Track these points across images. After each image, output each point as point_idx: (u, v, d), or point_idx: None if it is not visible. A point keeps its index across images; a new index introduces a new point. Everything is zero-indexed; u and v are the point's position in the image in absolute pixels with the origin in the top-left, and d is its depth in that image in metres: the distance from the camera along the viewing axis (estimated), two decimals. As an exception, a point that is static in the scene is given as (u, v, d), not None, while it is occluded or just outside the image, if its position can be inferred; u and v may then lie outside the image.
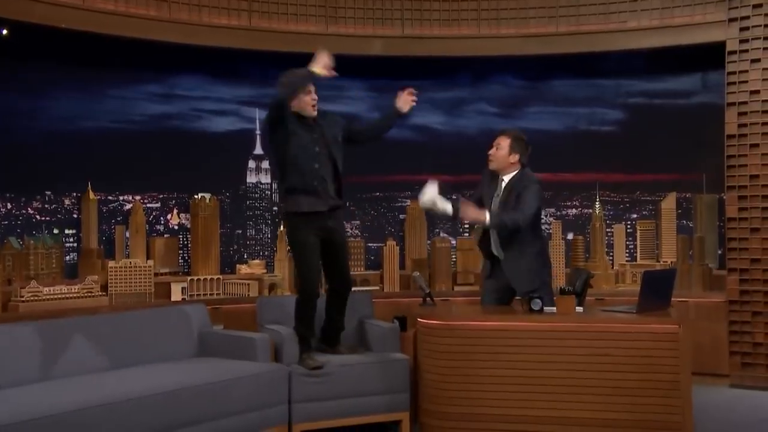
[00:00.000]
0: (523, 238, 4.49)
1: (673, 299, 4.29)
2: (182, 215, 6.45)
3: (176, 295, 6.07)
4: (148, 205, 6.31)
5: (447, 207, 4.52)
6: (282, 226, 4.60)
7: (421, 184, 6.82)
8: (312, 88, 4.38)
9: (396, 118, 4.72)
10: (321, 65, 4.26)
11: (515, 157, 4.57)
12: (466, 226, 7.00)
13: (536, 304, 4.16)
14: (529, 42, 6.31)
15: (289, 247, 4.57)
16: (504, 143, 4.58)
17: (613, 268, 6.62)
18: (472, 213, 4.43)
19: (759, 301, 5.70)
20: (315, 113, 4.44)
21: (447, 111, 6.95)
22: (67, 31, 5.39)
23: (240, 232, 6.67)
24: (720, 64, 5.91)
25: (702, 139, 6.29)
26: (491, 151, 4.62)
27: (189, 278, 6.12)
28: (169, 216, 6.42)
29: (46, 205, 5.90)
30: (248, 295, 6.13)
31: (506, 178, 4.58)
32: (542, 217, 4.77)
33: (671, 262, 6.40)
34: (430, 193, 4.48)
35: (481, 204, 4.62)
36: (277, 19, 6.20)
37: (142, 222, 6.16)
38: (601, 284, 6.33)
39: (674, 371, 3.88)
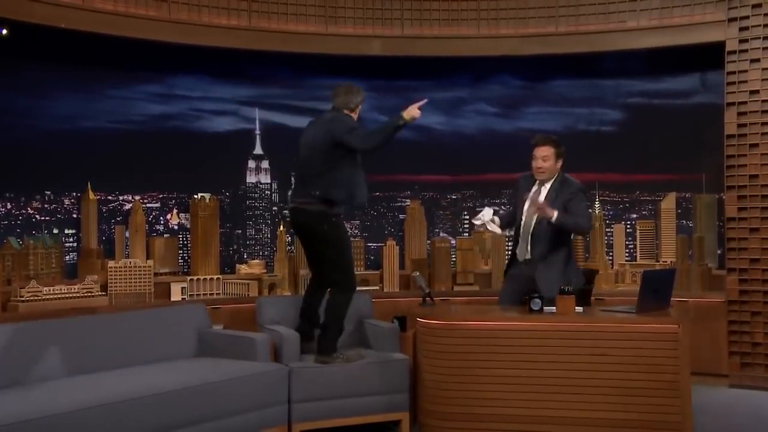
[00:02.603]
0: (556, 244, 4.58)
1: (672, 299, 4.29)
2: (182, 215, 6.45)
3: (176, 295, 6.07)
4: (148, 205, 6.31)
5: (497, 230, 4.83)
6: (324, 227, 4.59)
7: (421, 184, 6.93)
8: None
9: None
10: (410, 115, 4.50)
11: (560, 163, 4.68)
12: (466, 225, 7.00)
13: (536, 304, 4.16)
14: (529, 42, 6.32)
15: (333, 246, 4.60)
16: (550, 153, 4.64)
17: (612, 268, 6.62)
18: (546, 207, 4.51)
19: (758, 301, 5.71)
20: None
21: (446, 111, 6.95)
22: (66, 30, 5.39)
23: (240, 232, 6.67)
24: (719, 64, 5.91)
25: (701, 139, 6.30)
26: (539, 164, 4.66)
27: (189, 278, 6.12)
28: (168, 216, 6.43)
29: (46, 205, 5.90)
30: (248, 295, 6.13)
31: (548, 184, 4.67)
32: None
33: (671, 262, 6.40)
34: (487, 215, 4.77)
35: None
36: (277, 19, 6.20)
37: (142, 222, 6.16)
38: (600, 284, 6.33)
39: (673, 371, 3.89)
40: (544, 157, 4.64)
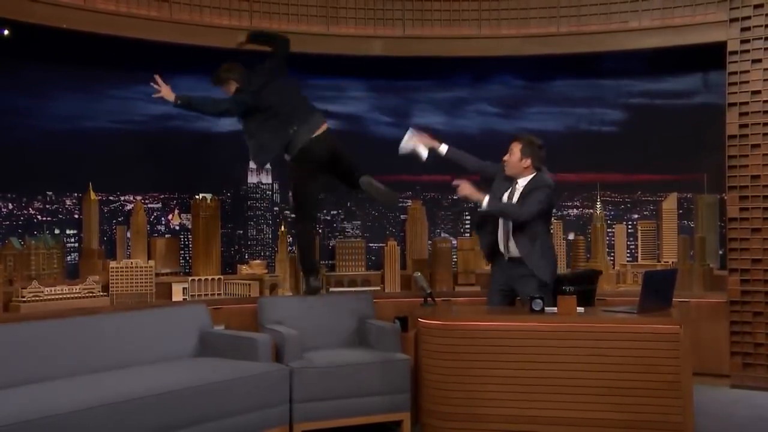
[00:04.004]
0: (540, 236, 4.62)
1: (674, 299, 4.29)
2: (183, 215, 6.45)
3: (177, 295, 6.06)
4: (149, 205, 6.31)
5: (423, 152, 4.99)
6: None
7: (422, 185, 6.93)
8: None
9: None
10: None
11: (527, 162, 4.68)
12: (467, 226, 7.00)
13: (537, 304, 4.16)
14: (530, 42, 6.31)
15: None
16: (516, 149, 4.70)
17: (614, 268, 6.62)
18: (469, 190, 4.61)
19: (760, 302, 5.71)
20: None
21: (447, 111, 6.95)
22: (68, 31, 5.39)
23: (241, 232, 6.67)
24: (721, 65, 5.91)
25: (703, 139, 6.30)
26: (505, 157, 4.73)
27: (190, 278, 6.11)
28: (170, 216, 6.43)
29: (47, 206, 5.90)
30: (249, 295, 6.13)
31: (521, 182, 4.70)
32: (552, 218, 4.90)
33: (672, 263, 6.40)
34: (410, 140, 4.97)
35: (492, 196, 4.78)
36: (278, 19, 6.21)
37: (143, 222, 6.16)
38: (602, 284, 6.32)
39: (675, 371, 3.88)
40: (511, 150, 4.71)
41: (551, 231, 4.85)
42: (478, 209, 4.68)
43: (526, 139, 4.71)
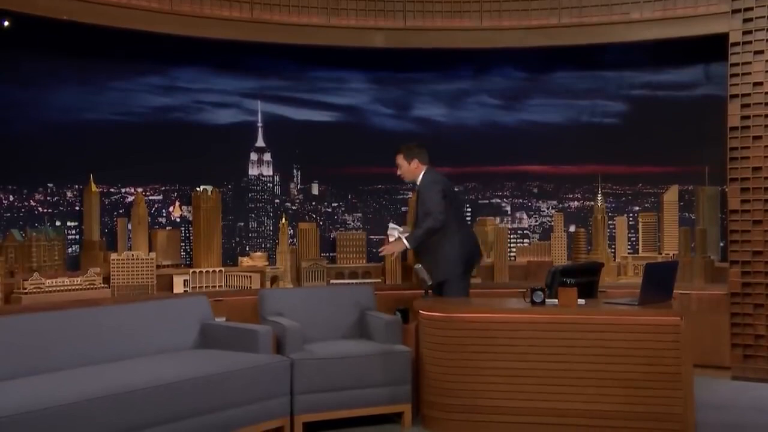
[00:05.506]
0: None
1: (674, 291, 4.30)
2: (184, 207, 6.45)
3: (178, 287, 6.07)
4: (150, 197, 6.31)
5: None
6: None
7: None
8: None
9: None
10: None
11: (415, 162, 5.20)
12: (468, 219, 7.00)
13: (538, 296, 4.17)
14: (531, 34, 6.30)
15: None
16: (400, 160, 5.23)
17: (615, 260, 6.62)
18: (394, 248, 5.09)
19: (761, 294, 5.70)
20: None
21: (449, 103, 6.94)
22: (69, 22, 5.38)
23: (242, 224, 6.68)
24: (723, 56, 5.89)
25: (704, 131, 6.29)
26: (398, 173, 5.26)
27: (191, 270, 6.12)
28: (171, 208, 6.43)
29: (48, 197, 5.90)
30: (250, 287, 6.14)
31: (419, 184, 5.19)
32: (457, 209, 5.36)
33: (673, 255, 6.39)
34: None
35: None
36: (279, 11, 6.19)
37: (144, 214, 6.16)
38: (603, 277, 6.32)
39: (676, 363, 3.89)
40: (397, 165, 5.23)
41: (456, 226, 5.14)
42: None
43: (403, 147, 5.22)
